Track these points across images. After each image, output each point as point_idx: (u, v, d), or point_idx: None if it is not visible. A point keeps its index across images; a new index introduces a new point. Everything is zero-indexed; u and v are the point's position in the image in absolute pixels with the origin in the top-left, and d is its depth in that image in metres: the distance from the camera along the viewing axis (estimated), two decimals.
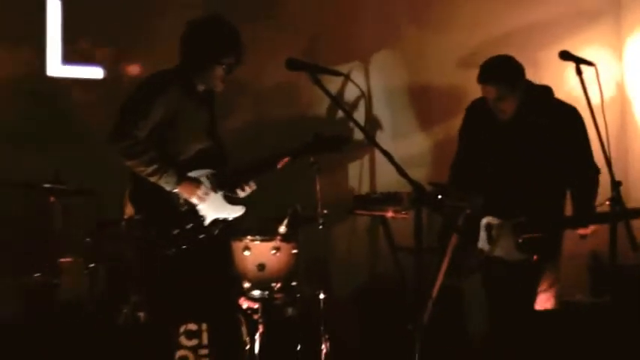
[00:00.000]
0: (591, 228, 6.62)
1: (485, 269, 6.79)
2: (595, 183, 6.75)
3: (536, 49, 9.03)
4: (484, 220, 6.73)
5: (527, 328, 6.72)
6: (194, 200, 6.08)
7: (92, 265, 7.38)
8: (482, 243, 6.74)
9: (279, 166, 6.42)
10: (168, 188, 6.02)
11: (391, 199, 6.73)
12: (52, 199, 7.44)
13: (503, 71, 6.74)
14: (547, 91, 6.92)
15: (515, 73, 6.76)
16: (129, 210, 6.15)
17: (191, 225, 6.09)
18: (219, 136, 6.42)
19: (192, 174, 6.10)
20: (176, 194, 6.05)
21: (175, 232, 6.04)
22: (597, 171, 6.74)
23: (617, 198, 5.93)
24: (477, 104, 7.00)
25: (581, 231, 6.64)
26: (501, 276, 6.73)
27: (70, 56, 8.38)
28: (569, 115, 6.80)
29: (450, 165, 7.17)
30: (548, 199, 6.69)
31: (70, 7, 8.38)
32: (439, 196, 6.17)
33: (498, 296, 6.83)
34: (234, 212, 6.26)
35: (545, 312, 6.93)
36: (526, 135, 6.72)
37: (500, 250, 6.68)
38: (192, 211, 6.11)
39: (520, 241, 6.58)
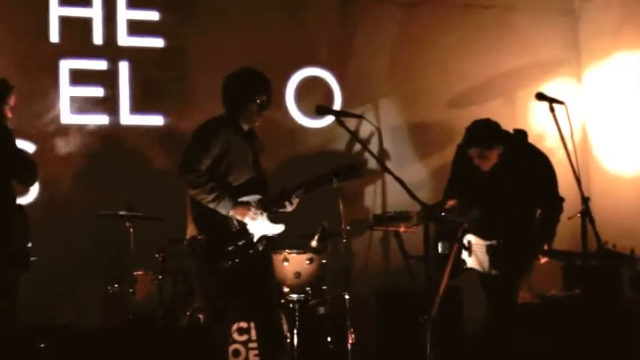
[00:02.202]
0: (543, 259, 6.63)
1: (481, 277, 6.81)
2: (557, 209, 6.72)
3: (514, 90, 9.07)
4: (466, 238, 6.74)
5: (513, 319, 6.70)
6: (246, 220, 6.09)
7: (161, 276, 7.42)
8: (465, 254, 6.75)
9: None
10: (224, 212, 6.02)
11: (403, 216, 6.74)
12: (127, 224, 7.48)
13: (482, 137, 6.69)
14: (521, 136, 6.87)
15: (492, 136, 6.69)
16: (191, 231, 6.14)
17: (242, 242, 6.09)
18: (261, 168, 6.44)
19: (243, 199, 6.12)
20: (230, 217, 6.06)
21: (230, 248, 6.05)
22: (561, 199, 6.74)
23: (586, 210, 5.95)
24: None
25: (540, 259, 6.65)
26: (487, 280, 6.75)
27: (137, 107, 8.45)
28: (538, 157, 6.78)
29: (443, 189, 7.16)
30: (520, 224, 6.65)
31: (136, 66, 8.45)
32: (442, 214, 6.22)
33: (489, 294, 6.84)
34: (277, 229, 6.25)
35: (527, 305, 6.91)
36: (503, 173, 6.68)
37: (477, 264, 6.69)
38: (243, 230, 6.10)
39: (492, 259, 6.59)
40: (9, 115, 6.24)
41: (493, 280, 6.65)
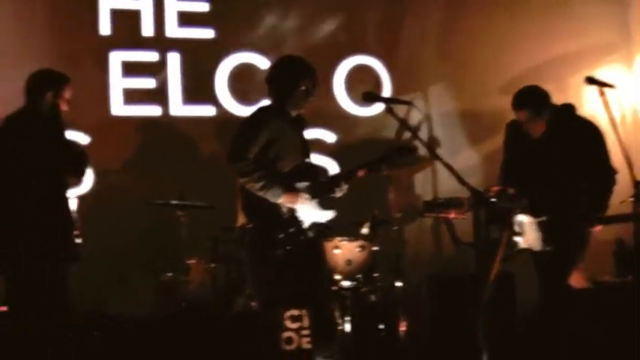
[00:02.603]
0: (598, 227, 6.55)
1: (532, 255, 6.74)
2: (609, 180, 6.63)
3: (565, 76, 8.97)
4: (517, 218, 6.67)
5: (565, 304, 6.64)
6: (296, 207, 6.09)
7: (213, 265, 7.46)
8: (516, 236, 6.68)
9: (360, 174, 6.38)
10: (273, 200, 6.02)
11: (453, 203, 6.71)
12: (179, 213, 7.53)
13: (530, 99, 6.67)
14: (570, 108, 6.82)
15: (540, 99, 6.67)
16: (241, 219, 6.14)
17: (293, 229, 6.09)
18: (310, 154, 6.44)
19: (292, 186, 6.12)
20: (279, 204, 6.07)
21: (280, 235, 6.05)
22: (614, 171, 6.64)
23: (638, 195, 5.88)
24: (514, 122, 6.94)
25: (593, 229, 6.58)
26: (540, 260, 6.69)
27: (188, 98, 8.50)
28: (587, 127, 6.71)
29: (497, 171, 7.10)
30: (571, 197, 6.59)
31: (186, 57, 8.49)
32: (493, 200, 6.16)
33: (541, 276, 6.77)
34: (327, 216, 6.24)
35: (580, 290, 6.84)
36: (553, 146, 6.63)
37: (529, 243, 6.63)
38: (293, 217, 6.10)
39: (543, 236, 6.54)
40: (64, 107, 6.27)
41: (546, 258, 6.58)
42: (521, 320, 7.63)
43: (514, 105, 6.71)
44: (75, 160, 6.20)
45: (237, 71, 8.60)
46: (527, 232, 6.60)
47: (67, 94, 6.27)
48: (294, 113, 6.28)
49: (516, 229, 6.62)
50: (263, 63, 8.43)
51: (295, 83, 6.21)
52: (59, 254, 6.03)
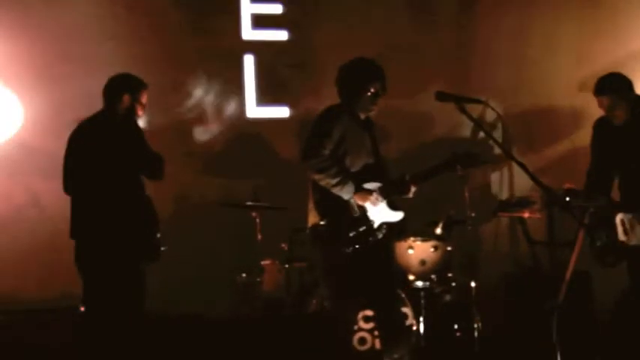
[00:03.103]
0: None
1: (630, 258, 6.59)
2: None
3: None
4: (618, 217, 6.53)
5: None
6: (366, 206, 6.07)
7: (287, 265, 7.48)
8: (621, 236, 6.53)
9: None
10: (346, 197, 6.00)
11: (526, 202, 6.63)
12: (253, 214, 7.57)
13: (613, 84, 6.55)
14: None
15: (623, 84, 6.54)
16: (312, 218, 6.14)
17: (364, 227, 6.07)
18: (381, 156, 6.41)
19: (364, 185, 6.11)
20: (351, 202, 6.05)
21: (351, 234, 6.04)
22: None
23: None
24: (600, 120, 6.81)
25: None
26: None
27: (262, 100, 8.53)
28: None
29: (583, 171, 6.96)
30: None
31: (261, 59, 8.53)
32: (567, 198, 6.06)
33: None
34: (396, 217, 6.20)
35: None
36: (638, 135, 6.51)
37: (636, 239, 6.47)
38: (364, 216, 6.08)
39: None
40: (140, 112, 6.35)
41: None
42: (600, 321, 7.53)
43: (596, 90, 6.58)
44: (151, 163, 6.26)
45: None
46: (632, 230, 6.46)
47: (144, 98, 6.34)
48: (362, 116, 6.26)
49: (620, 229, 6.49)
50: None
51: (363, 86, 6.19)
52: (141, 254, 6.11)
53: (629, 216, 6.43)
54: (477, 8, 9.08)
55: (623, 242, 6.44)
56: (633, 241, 6.41)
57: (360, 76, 6.21)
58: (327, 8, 8.70)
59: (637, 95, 6.60)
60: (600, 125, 6.77)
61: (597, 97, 6.59)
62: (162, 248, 6.34)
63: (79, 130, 6.28)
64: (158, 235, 6.29)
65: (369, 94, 6.17)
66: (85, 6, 8.20)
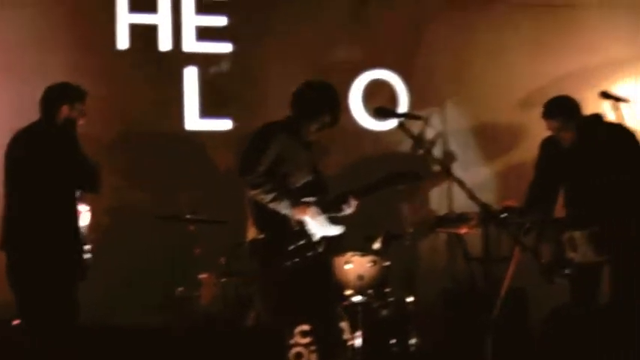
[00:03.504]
0: None
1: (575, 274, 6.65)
2: None
3: (582, 90, 8.81)
4: (566, 235, 6.59)
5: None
6: (305, 220, 6.07)
7: (224, 279, 7.43)
8: (568, 253, 6.60)
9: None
10: (284, 212, 6.02)
11: (464, 218, 6.66)
12: (191, 227, 7.51)
13: (560, 107, 6.64)
14: (599, 117, 6.78)
15: (571, 107, 6.65)
16: (251, 232, 6.14)
17: (302, 242, 6.07)
18: (320, 172, 6.41)
19: (303, 199, 6.10)
20: (290, 217, 6.04)
21: (290, 248, 6.03)
22: None
23: None
24: (548, 139, 6.87)
25: None
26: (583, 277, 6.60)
27: (205, 112, 8.48)
28: (621, 131, 6.64)
29: (523, 187, 6.99)
30: (616, 206, 6.49)
31: (204, 71, 8.48)
32: (502, 215, 6.11)
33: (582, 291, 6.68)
34: (336, 231, 6.22)
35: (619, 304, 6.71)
36: (588, 155, 6.57)
37: (581, 256, 6.54)
38: (303, 230, 6.09)
39: (594, 247, 6.45)
40: (80, 122, 6.27)
41: (598, 270, 6.54)
42: (533, 336, 7.57)
43: (545, 114, 6.68)
44: (88, 175, 6.18)
45: None
46: (580, 246, 6.52)
47: (83, 108, 6.26)
48: (305, 137, 6.25)
49: (567, 245, 6.55)
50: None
51: (318, 114, 6.20)
52: (71, 268, 6.02)
53: (578, 233, 6.50)
54: (419, 23, 9.10)
55: (568, 259, 6.52)
56: (578, 258, 6.49)
57: (318, 104, 6.23)
58: (273, 21, 8.66)
59: (584, 117, 6.67)
60: (548, 144, 6.84)
61: (546, 120, 6.66)
62: (87, 256, 6.21)
63: (14, 140, 6.19)
64: (87, 248, 6.18)
65: (319, 122, 6.20)
66: (22, 16, 8.11)
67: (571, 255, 6.54)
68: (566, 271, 6.54)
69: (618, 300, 6.54)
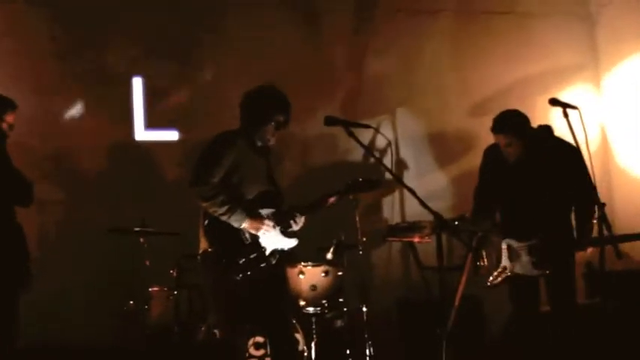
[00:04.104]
0: (589, 250, 6.50)
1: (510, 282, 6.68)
2: (593, 202, 6.57)
3: (532, 97, 8.87)
4: (504, 243, 6.61)
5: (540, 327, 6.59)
6: (259, 233, 6.00)
7: (176, 292, 7.35)
8: (505, 261, 6.62)
9: (327, 204, 6.34)
10: (236, 225, 5.93)
11: (416, 227, 6.62)
12: (141, 239, 7.42)
13: (510, 123, 6.62)
14: (548, 130, 6.80)
15: (521, 124, 6.63)
16: (203, 244, 6.06)
17: (254, 255, 6.00)
18: (276, 182, 6.35)
19: (256, 212, 6.04)
20: (242, 230, 5.98)
21: (241, 261, 5.95)
22: (595, 191, 6.59)
23: (602, 216, 5.83)
24: (492, 147, 6.89)
25: (581, 253, 6.54)
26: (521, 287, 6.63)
27: (151, 123, 8.38)
28: (568, 150, 6.66)
29: (472, 194, 7.02)
30: (557, 221, 6.56)
31: (149, 82, 8.39)
32: (455, 223, 6.09)
33: (519, 301, 6.71)
34: (289, 244, 6.16)
35: (548, 313, 6.77)
36: (531, 169, 6.60)
37: (520, 267, 6.56)
38: (255, 243, 6.01)
39: (534, 260, 6.48)
40: (7, 133, 6.13)
41: (533, 282, 6.56)
42: (491, 345, 7.60)
43: (494, 129, 6.67)
44: (18, 188, 6.03)
45: None
46: (517, 257, 6.54)
47: (11, 119, 6.14)
48: (259, 144, 6.19)
49: (505, 254, 6.57)
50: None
51: (267, 116, 6.13)
52: (12, 282, 5.88)
53: (516, 244, 6.52)
54: (370, 31, 9.10)
55: (505, 267, 6.54)
56: (517, 269, 6.51)
57: (266, 106, 6.15)
58: (219, 31, 8.60)
59: (533, 131, 6.68)
60: (493, 152, 6.85)
61: (495, 134, 6.66)
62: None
63: None
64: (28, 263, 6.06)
65: (271, 124, 6.12)
66: None
67: (505, 263, 6.57)
68: (499, 279, 6.58)
69: (558, 309, 6.60)
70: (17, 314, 5.98)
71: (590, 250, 6.51)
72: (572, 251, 6.58)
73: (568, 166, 6.58)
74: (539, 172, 6.60)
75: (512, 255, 6.59)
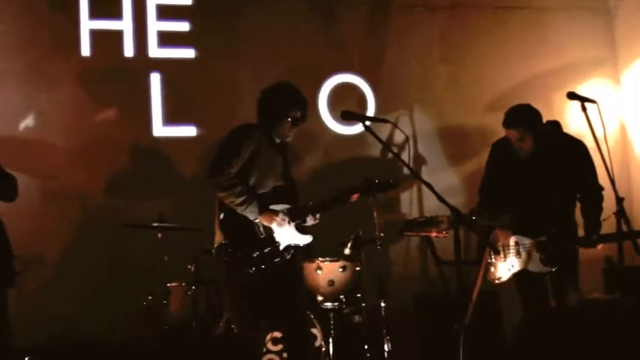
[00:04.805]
0: (599, 247, 6.48)
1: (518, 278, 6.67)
2: (600, 199, 6.62)
3: (550, 92, 8.87)
4: (512, 239, 6.61)
5: (556, 324, 6.57)
6: (273, 227, 6.02)
7: (194, 287, 7.36)
8: (512, 257, 6.62)
9: (351, 200, 6.34)
10: (251, 217, 5.96)
11: (433, 221, 6.62)
12: (159, 235, 7.44)
13: (522, 117, 6.62)
14: (556, 126, 6.80)
15: (533, 118, 6.63)
16: (218, 237, 6.08)
17: (268, 249, 6.02)
18: (292, 178, 6.36)
19: (272, 207, 6.05)
20: (257, 223, 5.99)
21: (255, 254, 5.97)
22: (601, 188, 6.61)
23: (621, 211, 5.81)
24: (500, 142, 6.89)
25: (590, 249, 6.52)
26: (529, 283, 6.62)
27: (169, 118, 8.40)
28: (575, 146, 6.68)
29: (479, 189, 7.04)
30: (563, 217, 6.57)
31: (168, 77, 8.41)
32: (473, 217, 6.09)
33: (528, 297, 6.69)
34: (303, 240, 6.17)
35: (569, 308, 6.75)
36: (541, 165, 6.61)
37: (528, 264, 6.56)
38: (270, 237, 6.03)
39: (542, 256, 6.47)
40: None
41: (541, 278, 6.55)
42: (509, 341, 7.58)
43: (505, 123, 6.67)
44: (2, 184, 5.96)
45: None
46: (525, 254, 6.54)
47: None
48: (277, 140, 6.21)
49: (512, 249, 6.56)
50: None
51: (284, 113, 6.15)
52: None
53: (525, 240, 6.52)
54: (384, 27, 9.09)
55: (512, 264, 6.54)
56: (525, 265, 6.50)
57: (282, 102, 6.18)
58: (235, 27, 8.61)
59: (545, 125, 6.67)
60: (500, 147, 6.85)
61: (506, 129, 6.66)
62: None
63: None
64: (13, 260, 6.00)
65: (288, 121, 6.13)
66: None
67: (515, 261, 6.57)
68: (507, 275, 6.61)
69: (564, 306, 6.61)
70: (7, 315, 5.90)
71: (599, 246, 6.49)
72: (577, 248, 6.58)
73: (575, 161, 6.62)
74: (548, 167, 6.60)
75: (520, 251, 6.59)
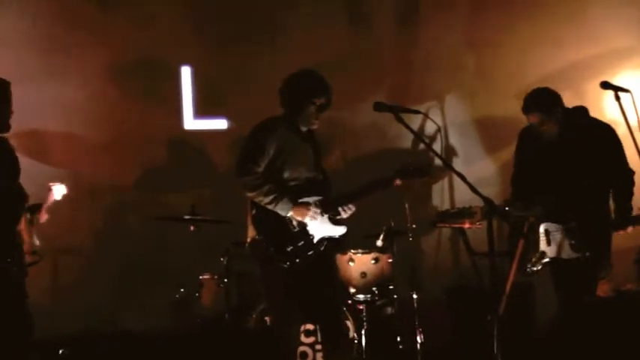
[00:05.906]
0: (629, 229, 6.44)
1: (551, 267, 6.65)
2: (631, 182, 6.59)
3: (583, 82, 8.82)
4: (542, 226, 6.59)
5: (588, 315, 6.53)
6: (306, 220, 6.02)
7: (226, 280, 7.40)
8: (543, 245, 6.60)
9: (394, 185, 6.28)
10: (283, 214, 5.96)
11: (466, 212, 6.60)
12: (192, 227, 7.47)
13: (539, 101, 6.61)
14: (583, 111, 6.77)
15: (550, 101, 6.62)
16: (251, 232, 6.08)
17: (302, 242, 6.02)
18: (323, 168, 6.35)
19: (303, 200, 6.05)
20: (289, 218, 6.00)
21: (289, 248, 5.98)
22: (631, 171, 6.58)
23: None
24: (527, 128, 6.87)
25: (621, 232, 6.47)
26: (563, 271, 6.59)
27: (199, 112, 8.43)
28: (602, 129, 6.65)
29: (510, 179, 7.03)
30: (594, 202, 6.53)
31: (199, 71, 8.44)
32: (506, 208, 6.08)
33: (563, 288, 6.67)
34: (338, 231, 6.16)
35: (603, 300, 6.73)
36: (569, 150, 6.58)
37: (559, 251, 6.54)
38: (303, 231, 6.03)
39: (573, 242, 6.45)
40: None
41: (575, 266, 6.49)
42: (542, 334, 7.55)
43: (524, 109, 6.69)
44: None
45: None
46: (556, 240, 6.52)
47: None
48: (304, 129, 6.20)
49: (542, 238, 6.54)
50: None
51: (308, 99, 6.12)
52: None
53: (554, 227, 6.49)
54: (417, 18, 9.08)
55: (543, 252, 6.51)
56: (556, 253, 6.48)
57: (305, 89, 6.14)
58: (269, 20, 8.63)
59: (565, 109, 6.65)
60: (527, 134, 6.84)
61: (525, 115, 6.65)
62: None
63: None
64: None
65: (313, 107, 6.11)
66: (10, 16, 8.20)
67: (544, 248, 6.55)
68: (538, 266, 6.56)
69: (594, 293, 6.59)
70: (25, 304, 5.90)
71: (630, 229, 6.44)
72: (610, 232, 6.52)
73: (603, 144, 6.58)
74: (576, 151, 6.57)
75: (551, 239, 6.57)
